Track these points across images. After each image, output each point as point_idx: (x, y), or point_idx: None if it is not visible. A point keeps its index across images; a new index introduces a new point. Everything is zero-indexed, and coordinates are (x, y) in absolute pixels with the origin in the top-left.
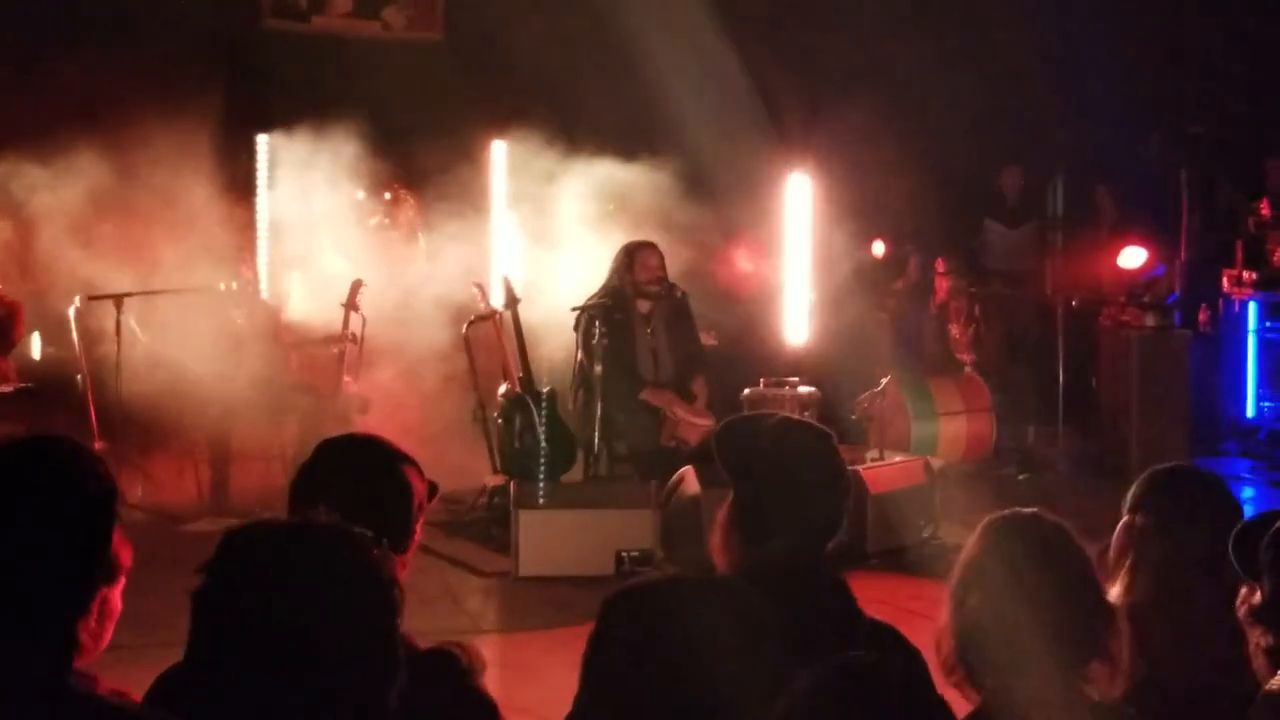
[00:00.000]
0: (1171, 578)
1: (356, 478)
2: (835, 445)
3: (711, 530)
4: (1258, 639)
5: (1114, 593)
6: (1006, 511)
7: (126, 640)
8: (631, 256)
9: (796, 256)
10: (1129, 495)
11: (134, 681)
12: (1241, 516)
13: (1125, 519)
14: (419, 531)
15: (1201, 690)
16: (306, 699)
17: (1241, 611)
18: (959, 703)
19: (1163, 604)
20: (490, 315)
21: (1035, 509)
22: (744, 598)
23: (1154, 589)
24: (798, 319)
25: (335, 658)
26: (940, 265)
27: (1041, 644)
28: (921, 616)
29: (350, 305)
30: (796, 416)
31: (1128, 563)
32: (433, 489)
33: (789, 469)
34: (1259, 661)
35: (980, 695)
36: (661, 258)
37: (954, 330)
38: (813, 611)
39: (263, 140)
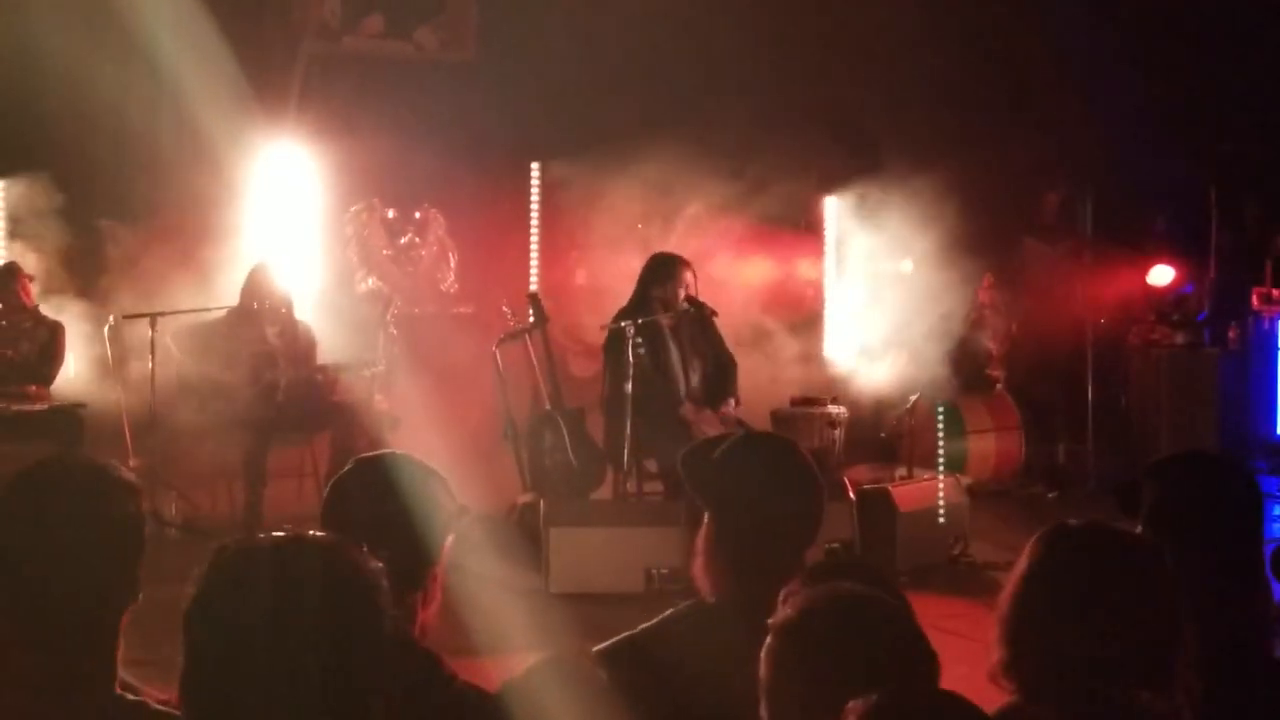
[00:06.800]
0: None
1: (387, 494)
2: (802, 454)
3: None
4: None
5: None
6: (1081, 523)
7: (162, 656)
8: (671, 272)
9: (836, 273)
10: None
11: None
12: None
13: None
14: (447, 547)
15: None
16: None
17: None
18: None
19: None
20: (519, 333)
21: (1115, 525)
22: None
23: None
24: (834, 336)
25: (318, 673)
26: (986, 281)
27: (1109, 668)
28: (951, 634)
29: (382, 324)
30: (757, 431)
31: None
32: (462, 510)
33: (754, 486)
34: None
35: (1023, 697)
36: (695, 274)
37: (992, 346)
38: None
39: (295, 156)
